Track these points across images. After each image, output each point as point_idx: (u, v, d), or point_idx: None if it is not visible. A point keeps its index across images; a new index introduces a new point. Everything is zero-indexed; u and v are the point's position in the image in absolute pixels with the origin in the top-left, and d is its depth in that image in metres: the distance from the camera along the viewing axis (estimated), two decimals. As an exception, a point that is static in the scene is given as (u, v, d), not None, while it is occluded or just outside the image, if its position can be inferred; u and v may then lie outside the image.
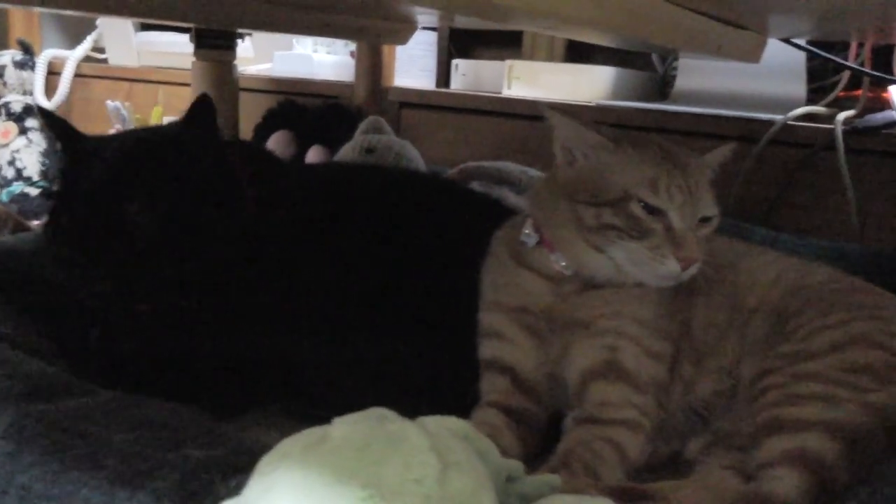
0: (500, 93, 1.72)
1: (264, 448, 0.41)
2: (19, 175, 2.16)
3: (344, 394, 0.83)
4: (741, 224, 1.25)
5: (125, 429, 0.50)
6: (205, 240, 0.82)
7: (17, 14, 2.37)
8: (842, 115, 1.32)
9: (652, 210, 0.74)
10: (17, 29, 2.37)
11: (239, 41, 1.58)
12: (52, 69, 2.24)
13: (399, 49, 1.88)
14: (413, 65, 2.03)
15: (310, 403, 0.78)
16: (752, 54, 1.12)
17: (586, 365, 0.77)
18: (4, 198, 2.11)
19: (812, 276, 0.84)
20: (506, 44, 2.04)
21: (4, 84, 2.20)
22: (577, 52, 1.94)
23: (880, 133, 1.29)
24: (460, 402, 0.77)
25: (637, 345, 0.77)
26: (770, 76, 1.52)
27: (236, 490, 0.37)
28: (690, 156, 0.81)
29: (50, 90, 2.20)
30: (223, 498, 0.38)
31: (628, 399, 0.75)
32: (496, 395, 0.80)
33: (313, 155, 1.55)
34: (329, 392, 0.84)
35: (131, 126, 1.94)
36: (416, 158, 1.43)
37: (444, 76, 2.11)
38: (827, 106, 1.47)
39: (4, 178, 2.16)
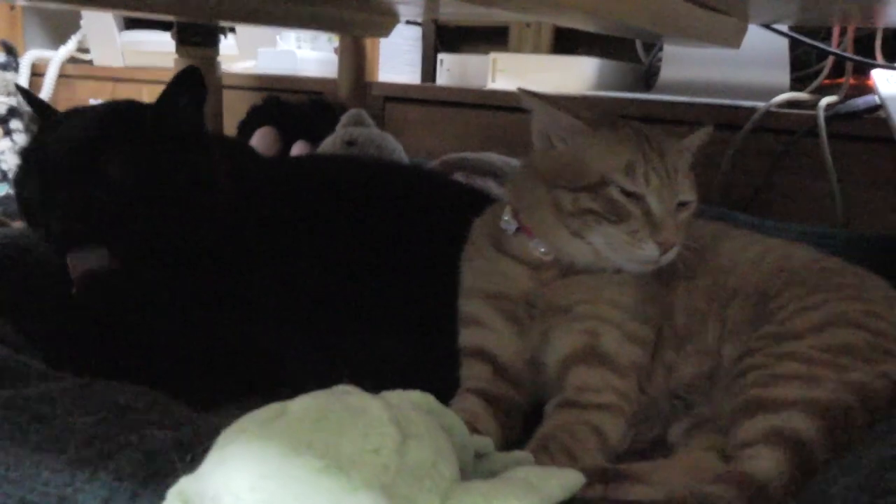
0: (485, 87, 1.72)
1: (229, 429, 0.40)
2: (4, 177, 2.15)
3: (325, 386, 0.82)
4: (725, 211, 1.24)
5: (89, 412, 0.49)
6: (179, 204, 0.83)
7: (0, 16, 2.36)
8: (824, 101, 1.32)
9: (630, 194, 0.74)
10: (1, 31, 2.36)
11: (222, 38, 1.58)
12: (35, 70, 2.23)
13: (384, 45, 1.88)
14: (398, 60, 2.03)
15: (291, 396, 0.78)
16: (733, 40, 1.12)
17: (567, 350, 0.77)
18: (-11, 200, 2.09)
19: (794, 256, 0.83)
20: (492, 39, 2.03)
21: (-12, 86, 2.19)
22: (563, 48, 1.94)
23: (863, 117, 1.29)
24: (444, 393, 0.76)
25: (617, 329, 0.77)
26: (753, 65, 1.52)
27: (193, 466, 0.37)
28: (669, 139, 0.81)
29: (34, 91, 2.19)
30: (185, 477, 0.38)
31: (609, 383, 0.75)
32: (476, 382, 0.80)
33: (298, 150, 1.54)
34: (309, 384, 0.84)
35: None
36: (397, 150, 1.42)
37: (429, 71, 2.11)
38: (811, 94, 1.47)
39: (-11, 179, 2.15)
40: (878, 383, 0.66)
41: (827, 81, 1.50)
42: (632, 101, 1.52)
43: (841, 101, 1.34)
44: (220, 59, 1.54)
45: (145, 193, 0.81)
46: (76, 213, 0.78)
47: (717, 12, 1.03)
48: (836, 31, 1.46)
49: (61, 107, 0.92)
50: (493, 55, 1.72)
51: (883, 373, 0.67)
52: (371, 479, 0.34)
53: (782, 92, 1.44)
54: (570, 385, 0.76)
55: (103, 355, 0.72)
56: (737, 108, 1.39)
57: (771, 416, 0.64)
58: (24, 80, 2.19)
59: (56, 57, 2.21)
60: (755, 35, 1.24)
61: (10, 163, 2.16)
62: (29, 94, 0.89)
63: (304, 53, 2.01)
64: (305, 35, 2.04)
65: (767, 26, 1.27)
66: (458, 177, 1.31)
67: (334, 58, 1.91)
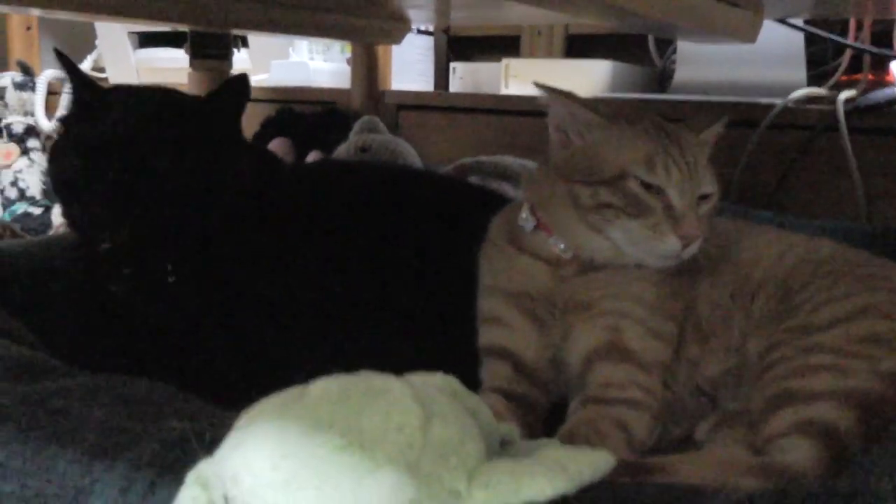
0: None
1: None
2: (22, 195, 2.17)
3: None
4: (746, 209, 1.23)
5: (105, 405, 0.49)
6: (212, 203, 0.84)
7: (16, 36, 2.39)
8: (843, 95, 1.30)
9: (649, 187, 0.73)
10: (17, 51, 2.39)
11: (235, 51, 1.59)
12: (52, 89, 2.25)
13: (397, 54, 1.88)
14: (411, 70, 2.04)
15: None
16: (749, 34, 1.11)
17: (589, 346, 0.75)
18: (7, 217, 2.11)
19: (818, 249, 0.82)
20: (503, 48, 2.03)
21: (5, 106, 2.21)
22: (575, 55, 1.94)
23: (883, 110, 1.27)
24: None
25: (640, 325, 0.76)
26: (769, 63, 1.50)
27: (211, 451, 0.36)
28: (687, 132, 0.79)
29: (50, 110, 2.21)
30: (202, 465, 0.37)
31: (633, 379, 0.74)
32: (497, 381, 0.78)
33: (312, 160, 1.55)
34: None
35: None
36: (411, 156, 1.42)
37: (442, 80, 2.11)
38: (829, 90, 1.45)
39: (7, 198, 2.17)
40: (909, 372, 0.65)
41: (844, 77, 1.49)
42: (647, 101, 1.51)
43: (860, 94, 1.33)
44: (233, 71, 1.55)
45: (186, 189, 0.82)
46: (120, 202, 0.78)
47: (733, 5, 1.02)
48: (852, 25, 1.44)
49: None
50: (505, 61, 1.72)
51: (914, 362, 0.66)
52: (395, 456, 0.33)
53: (799, 89, 1.43)
54: (593, 382, 0.74)
55: (123, 353, 0.71)
56: (754, 105, 1.38)
57: (802, 407, 0.63)
58: (40, 98, 2.21)
59: (72, 76, 2.23)
60: (770, 32, 1.23)
61: (28, 181, 2.18)
62: (70, 64, 0.88)
63: (317, 65, 2.02)
64: (318, 46, 2.05)
65: (783, 21, 1.26)
66: (474, 180, 1.31)
67: (347, 68, 1.91)
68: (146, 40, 2.27)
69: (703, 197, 0.76)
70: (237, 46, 1.93)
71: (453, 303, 0.84)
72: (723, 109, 1.38)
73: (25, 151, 2.21)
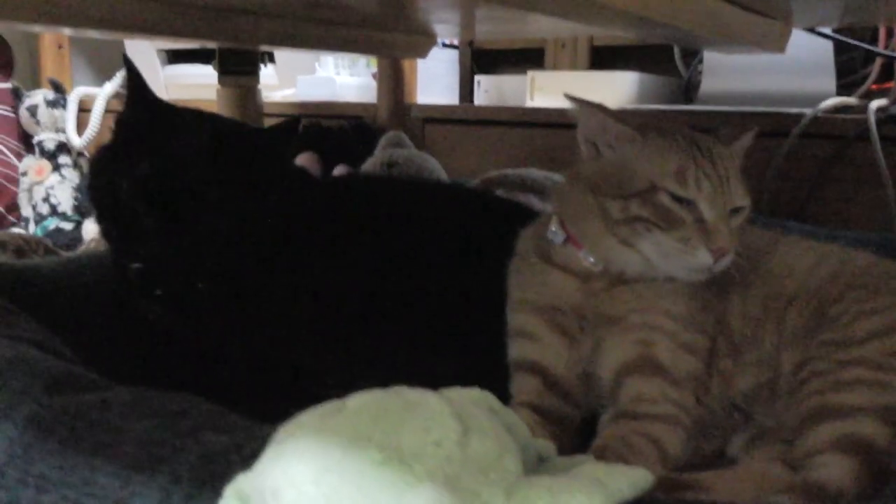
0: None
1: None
2: (54, 211, 2.21)
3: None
4: (777, 220, 1.21)
5: (143, 418, 0.49)
6: (255, 232, 0.85)
7: (48, 55, 2.43)
8: (875, 103, 1.28)
9: (681, 200, 0.72)
10: (49, 69, 2.43)
11: (262, 67, 1.60)
12: (83, 106, 2.28)
13: (422, 68, 1.89)
14: (436, 84, 2.04)
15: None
16: (778, 43, 1.10)
17: (620, 360, 0.75)
18: (39, 233, 2.14)
19: (852, 261, 0.81)
20: (527, 60, 2.04)
21: (37, 123, 2.25)
22: (600, 67, 1.93)
23: (915, 119, 1.25)
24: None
25: (672, 339, 0.75)
26: (798, 72, 1.49)
27: (249, 465, 0.36)
28: (718, 145, 0.79)
29: (81, 127, 2.25)
30: (240, 479, 0.37)
31: (665, 394, 0.73)
32: (527, 395, 0.78)
33: (339, 174, 1.56)
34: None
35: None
36: (437, 170, 1.42)
37: (467, 93, 2.11)
38: (859, 98, 1.44)
39: (39, 214, 2.20)
40: (950, 387, 0.63)
41: (874, 86, 1.47)
42: (674, 112, 1.50)
43: (892, 103, 1.31)
44: (260, 87, 1.56)
45: (232, 219, 0.82)
46: (163, 231, 0.79)
47: (762, 15, 1.01)
48: (882, 33, 1.43)
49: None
50: (531, 73, 1.72)
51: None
52: (434, 471, 0.33)
53: (829, 99, 1.41)
54: (624, 396, 0.74)
55: (159, 368, 0.72)
56: (783, 115, 1.36)
57: (839, 422, 0.62)
58: (72, 115, 2.25)
59: (102, 93, 2.27)
60: (799, 41, 1.22)
61: (60, 197, 2.21)
62: (137, 76, 0.88)
63: (343, 79, 2.04)
64: (344, 61, 2.06)
65: (812, 30, 1.25)
66: (499, 194, 1.31)
67: (373, 83, 1.93)
68: (174, 57, 2.30)
69: (736, 210, 0.75)
70: (263, 62, 1.95)
71: (482, 317, 0.84)
72: (751, 120, 1.37)
73: (57, 168, 2.25)
